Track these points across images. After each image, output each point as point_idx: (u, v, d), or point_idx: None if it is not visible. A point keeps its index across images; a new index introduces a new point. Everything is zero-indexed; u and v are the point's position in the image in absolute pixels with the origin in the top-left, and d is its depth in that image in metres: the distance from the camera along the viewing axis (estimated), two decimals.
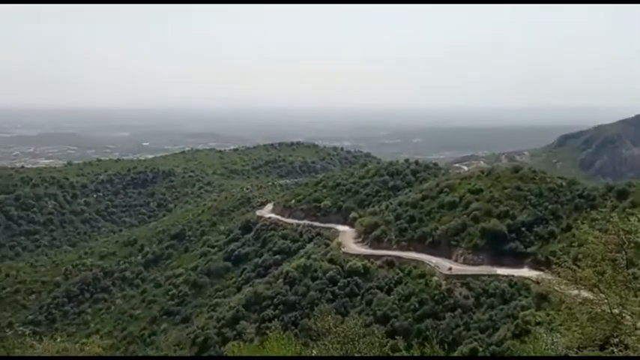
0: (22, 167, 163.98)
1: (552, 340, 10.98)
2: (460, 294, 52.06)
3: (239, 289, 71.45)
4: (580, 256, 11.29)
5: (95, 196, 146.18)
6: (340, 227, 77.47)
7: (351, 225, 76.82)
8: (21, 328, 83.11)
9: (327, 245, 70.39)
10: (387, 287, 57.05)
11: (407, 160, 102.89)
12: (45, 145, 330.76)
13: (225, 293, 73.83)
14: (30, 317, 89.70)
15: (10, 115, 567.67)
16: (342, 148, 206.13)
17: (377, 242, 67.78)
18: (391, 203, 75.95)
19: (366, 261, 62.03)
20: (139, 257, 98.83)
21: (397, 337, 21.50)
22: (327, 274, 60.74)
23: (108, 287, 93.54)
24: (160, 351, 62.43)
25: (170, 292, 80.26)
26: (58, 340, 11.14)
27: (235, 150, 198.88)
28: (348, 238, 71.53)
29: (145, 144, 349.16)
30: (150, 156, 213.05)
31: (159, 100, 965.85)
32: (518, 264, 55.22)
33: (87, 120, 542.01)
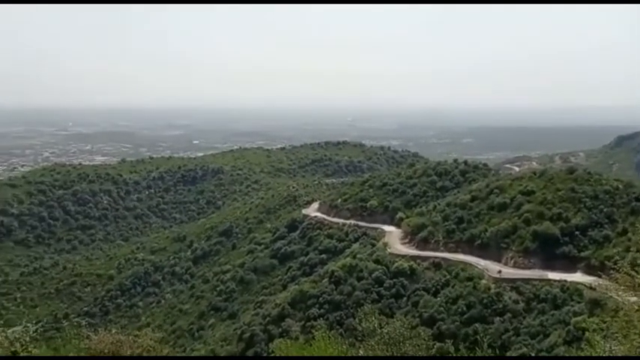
0: (80, 164, 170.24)
1: (610, 347, 10.54)
2: (510, 298, 50.82)
3: (284, 287, 72.05)
4: (639, 261, 10.80)
5: (147, 192, 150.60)
6: (386, 227, 76.95)
7: (398, 225, 76.17)
8: (77, 319, 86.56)
9: (373, 245, 70.03)
10: (433, 289, 56.30)
11: (456, 160, 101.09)
12: (101, 143, 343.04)
13: (271, 291, 74.60)
14: (85, 309, 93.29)
15: (68, 113, 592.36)
16: (389, 148, 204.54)
17: (424, 243, 66.97)
18: (439, 204, 74.87)
19: (412, 262, 61.39)
20: (189, 253, 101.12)
21: (447, 341, 21.21)
22: (373, 275, 60.45)
23: (158, 282, 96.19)
24: (207, 345, 63.69)
25: (218, 288, 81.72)
26: (113, 331, 11.48)
27: (282, 149, 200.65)
28: (394, 239, 70.97)
29: (195, 142, 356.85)
30: (200, 154, 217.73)
31: (212, 100, 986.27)
32: (570, 268, 53.44)
33: (141, 118, 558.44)
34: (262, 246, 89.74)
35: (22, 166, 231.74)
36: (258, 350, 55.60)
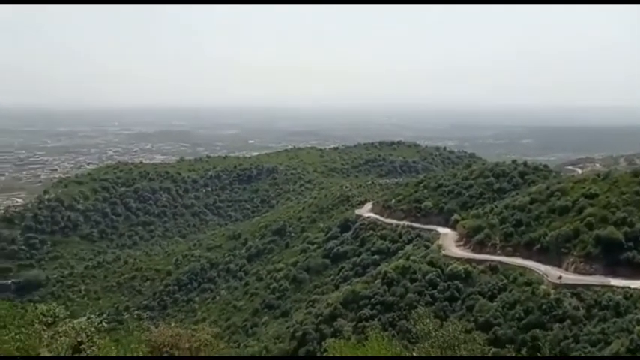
0: (141, 162, 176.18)
1: None
2: (570, 304, 48.87)
3: (337, 287, 72.10)
4: None
5: (204, 191, 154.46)
6: (441, 229, 75.69)
7: (453, 227, 74.75)
8: (137, 311, 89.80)
9: (427, 247, 69.02)
10: (489, 293, 54.86)
11: (514, 162, 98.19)
12: (161, 142, 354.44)
13: (323, 290, 74.86)
14: (144, 302, 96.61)
15: (131, 113, 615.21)
16: (444, 148, 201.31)
17: (480, 246, 65.41)
18: (496, 206, 72.92)
19: (467, 265, 60.06)
20: (243, 251, 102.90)
21: (508, 346, 20.65)
22: (427, 277, 59.58)
23: (214, 278, 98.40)
24: (260, 342, 64.58)
25: (271, 286, 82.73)
26: (172, 324, 11.82)
27: (335, 149, 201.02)
28: (449, 241, 69.71)
29: (250, 142, 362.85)
30: (255, 153, 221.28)
31: (269, 99, 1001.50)
32: (635, 275, 50.81)
33: (199, 118, 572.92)
34: (315, 245, 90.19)
35: (88, 164, 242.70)
36: (310, 349, 55.86)
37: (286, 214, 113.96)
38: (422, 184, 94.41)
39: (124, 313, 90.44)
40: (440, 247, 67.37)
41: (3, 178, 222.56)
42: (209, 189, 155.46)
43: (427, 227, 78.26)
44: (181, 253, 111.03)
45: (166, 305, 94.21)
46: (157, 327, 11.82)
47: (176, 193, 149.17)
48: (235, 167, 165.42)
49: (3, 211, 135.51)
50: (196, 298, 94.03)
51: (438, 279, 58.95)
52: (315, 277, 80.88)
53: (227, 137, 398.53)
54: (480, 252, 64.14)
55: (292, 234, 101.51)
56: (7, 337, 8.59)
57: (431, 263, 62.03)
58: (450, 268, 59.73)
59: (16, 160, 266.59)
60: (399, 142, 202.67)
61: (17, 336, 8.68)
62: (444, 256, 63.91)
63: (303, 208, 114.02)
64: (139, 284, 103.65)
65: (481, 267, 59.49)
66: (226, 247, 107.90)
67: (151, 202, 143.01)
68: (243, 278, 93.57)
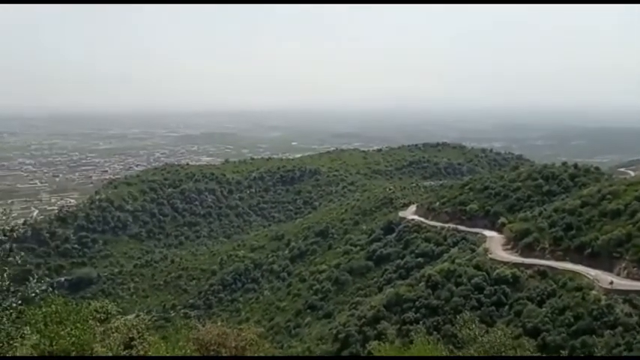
0: (187, 164, 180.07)
1: None
2: (622, 311, 47.03)
3: (380, 289, 71.64)
4: None
5: (248, 192, 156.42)
6: (487, 232, 74.17)
7: (500, 231, 73.12)
8: (183, 310, 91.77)
9: (473, 250, 67.74)
10: (538, 298, 53.36)
11: (564, 164, 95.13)
12: (206, 144, 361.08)
13: (366, 292, 74.53)
14: (190, 301, 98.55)
15: (178, 116, 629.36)
16: (491, 150, 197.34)
17: (528, 250, 63.73)
18: (545, 209, 70.92)
19: (515, 269, 58.62)
20: (286, 252, 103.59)
21: (562, 352, 20.07)
22: (473, 281, 58.46)
23: (257, 278, 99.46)
24: (303, 343, 64.82)
25: (314, 287, 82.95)
26: (219, 323, 12.01)
27: (379, 150, 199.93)
28: (495, 245, 68.21)
29: (293, 143, 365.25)
30: (298, 155, 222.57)
31: (311, 102, 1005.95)
32: None
33: (244, 121, 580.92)
34: (358, 247, 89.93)
35: (137, 165, 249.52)
36: (353, 351, 55.73)
37: (329, 216, 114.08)
38: (467, 187, 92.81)
39: (171, 312, 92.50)
40: (486, 250, 66.01)
41: (57, 179, 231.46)
42: (253, 190, 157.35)
43: (473, 230, 76.85)
44: (226, 254, 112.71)
45: (211, 304, 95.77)
46: (203, 325, 12.04)
47: (221, 194, 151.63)
48: (279, 169, 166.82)
49: (57, 211, 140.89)
50: (240, 298, 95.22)
51: (485, 283, 57.76)
52: (357, 279, 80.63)
53: (271, 139, 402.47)
54: (528, 256, 62.50)
55: (335, 235, 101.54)
56: (63, 333, 8.90)
57: (477, 267, 60.84)
58: (496, 272, 58.45)
59: (69, 162, 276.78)
60: (443, 144, 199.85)
61: (72, 332, 8.98)
62: (491, 259, 62.57)
63: (346, 210, 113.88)
64: (184, 283, 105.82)
65: (529, 271, 57.95)
66: (269, 248, 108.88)
67: (196, 202, 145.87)
68: (286, 279, 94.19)
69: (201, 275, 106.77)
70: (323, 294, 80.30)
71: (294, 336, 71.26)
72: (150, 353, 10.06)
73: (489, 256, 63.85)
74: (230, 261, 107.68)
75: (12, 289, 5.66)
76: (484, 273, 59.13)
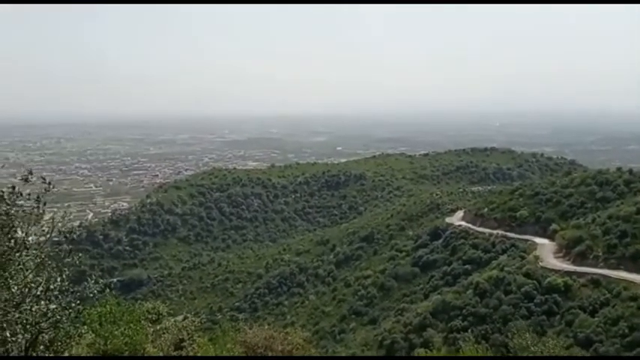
0: (234, 168, 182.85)
1: None
2: None
3: (426, 296, 70.68)
4: None
5: (293, 196, 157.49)
6: (538, 240, 72.04)
7: (551, 238, 70.89)
8: (229, 312, 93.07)
9: (523, 258, 65.96)
10: (590, 308, 51.42)
11: (619, 169, 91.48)
12: (253, 149, 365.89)
13: (412, 299, 73.64)
14: (236, 304, 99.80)
15: (224, 122, 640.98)
16: (541, 155, 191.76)
17: (580, 258, 61.54)
18: (599, 216, 68.37)
19: (567, 278, 56.72)
20: (331, 256, 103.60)
21: None
22: (522, 289, 56.94)
23: (302, 283, 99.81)
24: (348, 349, 64.63)
25: (359, 293, 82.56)
26: (265, 327, 12.14)
27: (425, 155, 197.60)
28: (546, 252, 66.21)
29: (338, 148, 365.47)
30: (343, 160, 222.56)
31: (356, 107, 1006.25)
32: None
33: (289, 125, 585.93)
34: (404, 253, 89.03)
35: (186, 170, 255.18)
36: None
37: (374, 221, 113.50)
38: (517, 192, 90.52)
39: (218, 314, 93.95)
40: (537, 258, 64.19)
41: (111, 183, 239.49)
42: (298, 195, 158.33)
43: (523, 237, 74.78)
44: (271, 257, 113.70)
45: (257, 308, 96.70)
46: (250, 328, 12.20)
47: (267, 199, 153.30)
48: (324, 173, 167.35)
49: (110, 214, 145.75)
50: (286, 302, 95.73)
51: (535, 292, 56.18)
52: (403, 285, 79.78)
53: (316, 144, 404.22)
54: (580, 264, 60.35)
55: (380, 241, 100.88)
56: (117, 333, 9.19)
57: (527, 275, 59.25)
58: (547, 280, 56.76)
59: (122, 166, 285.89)
60: (492, 148, 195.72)
61: (126, 331, 9.26)
62: (542, 267, 60.81)
63: (392, 215, 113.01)
64: (231, 286, 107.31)
65: (582, 280, 55.96)
66: (315, 253, 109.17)
67: (243, 206, 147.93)
68: (332, 284, 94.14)
69: (247, 278, 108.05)
70: (368, 300, 79.83)
71: (339, 341, 71.10)
72: (199, 354, 10.26)
73: (540, 263, 62.07)
74: (275, 265, 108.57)
75: (71, 289, 5.88)
76: (534, 281, 57.53)
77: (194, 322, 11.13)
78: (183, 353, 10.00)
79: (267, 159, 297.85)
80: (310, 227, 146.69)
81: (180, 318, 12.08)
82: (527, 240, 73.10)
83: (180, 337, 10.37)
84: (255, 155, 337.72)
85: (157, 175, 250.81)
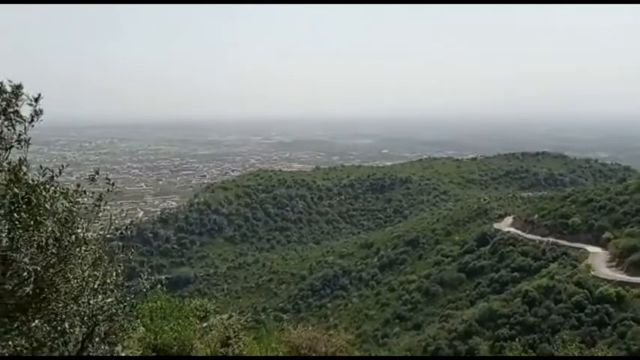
0: (280, 170, 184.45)
1: None
2: None
3: (472, 303, 69.43)
4: None
5: (338, 199, 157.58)
6: (590, 248, 69.62)
7: (604, 246, 68.40)
8: (273, 313, 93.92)
9: (574, 267, 63.91)
10: None
11: None
12: (298, 151, 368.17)
13: (457, 305, 72.44)
14: (280, 304, 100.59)
15: (271, 123, 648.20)
16: (596, 160, 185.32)
17: (634, 268, 59.05)
18: None
19: (620, 288, 54.56)
20: (375, 260, 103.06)
21: None
22: (573, 299, 55.16)
23: (346, 285, 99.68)
24: (391, 353, 64.09)
25: (403, 297, 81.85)
26: (309, 328, 12.24)
27: (473, 159, 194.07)
28: (599, 261, 63.91)
29: (384, 151, 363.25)
30: (388, 163, 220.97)
31: (403, 110, 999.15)
32: None
33: (335, 128, 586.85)
34: (449, 259, 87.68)
35: (233, 170, 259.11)
36: None
37: (420, 225, 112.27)
38: (569, 199, 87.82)
39: (262, 314, 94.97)
40: (589, 267, 62.06)
41: (160, 182, 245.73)
42: (342, 197, 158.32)
43: (574, 245, 72.41)
44: (315, 259, 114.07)
45: (300, 309, 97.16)
46: (294, 329, 12.33)
47: (311, 200, 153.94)
48: (369, 176, 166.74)
49: (159, 213, 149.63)
50: (329, 304, 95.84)
51: (586, 301, 54.34)
52: (448, 291, 78.58)
53: (362, 147, 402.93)
54: (634, 274, 57.91)
55: (425, 245, 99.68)
56: (166, 328, 9.48)
57: (578, 284, 57.38)
58: (599, 290, 54.79)
59: (171, 166, 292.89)
60: (543, 153, 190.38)
61: (175, 327, 9.54)
62: (593, 277, 58.75)
63: (438, 220, 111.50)
64: (275, 287, 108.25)
65: (636, 291, 53.77)
66: (358, 256, 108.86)
67: (287, 208, 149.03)
68: (375, 287, 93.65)
69: (290, 279, 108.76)
70: (412, 304, 79.02)
71: (382, 345, 70.63)
72: (244, 353, 10.45)
73: (592, 273, 59.99)
74: (319, 267, 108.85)
75: (125, 284, 6.13)
76: (586, 291, 55.67)
77: (240, 320, 11.34)
78: (230, 350, 10.21)
79: (312, 161, 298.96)
80: (354, 230, 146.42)
81: (225, 316, 12.32)
82: (579, 248, 70.81)
83: (227, 334, 10.59)
84: (300, 157, 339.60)
85: (205, 176, 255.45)
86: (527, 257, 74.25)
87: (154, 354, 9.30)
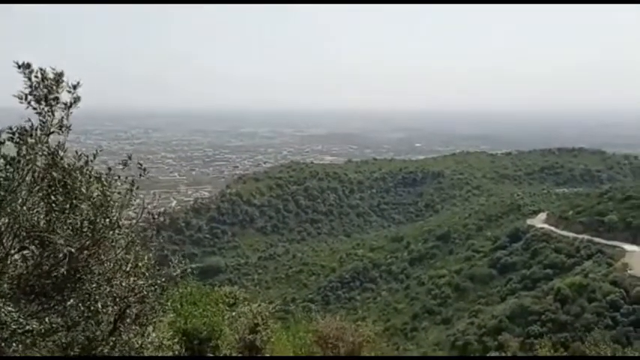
0: (312, 162, 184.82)
1: None
2: None
3: (503, 299, 68.47)
4: None
5: (369, 192, 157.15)
6: (628, 247, 67.82)
7: None
8: (302, 303, 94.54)
9: (610, 265, 62.40)
10: None
11: None
12: (330, 144, 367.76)
13: (487, 301, 71.59)
14: (309, 296, 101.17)
15: (304, 116, 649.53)
16: (635, 157, 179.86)
17: None
18: None
19: None
20: (405, 254, 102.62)
21: None
22: (608, 297, 53.91)
23: (375, 278, 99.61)
24: (419, 347, 63.91)
25: (432, 292, 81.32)
26: (337, 318, 12.33)
27: (508, 154, 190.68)
28: (636, 260, 62.23)
29: (417, 145, 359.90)
30: (421, 157, 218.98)
31: (435, 102, 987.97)
32: None
33: (368, 121, 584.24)
34: (481, 254, 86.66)
35: (265, 162, 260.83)
36: None
37: (451, 220, 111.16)
38: (606, 195, 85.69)
39: (290, 305, 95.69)
40: (625, 265, 60.52)
41: (194, 172, 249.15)
42: (374, 190, 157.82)
43: (610, 243, 70.63)
44: (345, 252, 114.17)
45: (329, 301, 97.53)
46: (323, 319, 12.44)
47: (342, 193, 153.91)
48: (401, 170, 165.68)
49: (192, 202, 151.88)
50: (358, 297, 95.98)
51: (622, 301, 53.05)
52: (479, 286, 77.73)
53: (394, 140, 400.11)
54: None
55: (457, 240, 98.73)
56: (196, 313, 9.70)
57: (614, 283, 56.03)
58: (636, 289, 53.41)
59: (204, 157, 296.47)
60: (580, 149, 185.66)
61: (204, 312, 9.75)
62: (630, 276, 57.27)
63: (470, 215, 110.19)
64: (304, 278, 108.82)
65: None
66: (388, 249, 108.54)
67: (319, 200, 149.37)
68: (405, 281, 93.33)
69: (320, 271, 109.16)
70: (442, 299, 78.45)
71: (411, 339, 70.41)
72: (272, 340, 10.62)
73: (629, 272, 58.49)
74: (349, 259, 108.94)
75: (157, 268, 6.31)
76: (622, 290, 54.34)
77: (268, 308, 11.50)
78: (258, 337, 10.38)
79: (344, 154, 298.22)
80: (385, 223, 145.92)
81: (255, 305, 12.49)
82: (615, 246, 69.09)
83: (255, 321, 10.76)
84: (332, 150, 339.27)
85: (237, 167, 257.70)
86: (560, 254, 72.79)
87: (184, 338, 9.52)
